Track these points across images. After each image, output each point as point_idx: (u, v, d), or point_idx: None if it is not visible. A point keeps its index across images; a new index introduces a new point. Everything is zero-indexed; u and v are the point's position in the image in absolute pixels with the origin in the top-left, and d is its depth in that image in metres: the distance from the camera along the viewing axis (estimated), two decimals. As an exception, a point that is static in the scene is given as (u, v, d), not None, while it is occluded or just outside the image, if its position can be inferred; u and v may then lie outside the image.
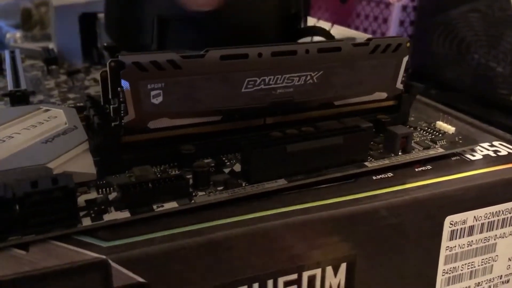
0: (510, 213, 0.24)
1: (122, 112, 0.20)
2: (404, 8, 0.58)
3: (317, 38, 0.31)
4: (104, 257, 0.17)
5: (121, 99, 0.20)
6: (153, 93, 0.20)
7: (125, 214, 0.18)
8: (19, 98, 0.26)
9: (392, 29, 0.58)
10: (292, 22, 0.29)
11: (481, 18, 0.51)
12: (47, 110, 0.23)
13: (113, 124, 0.20)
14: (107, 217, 0.18)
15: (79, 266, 0.16)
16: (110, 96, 0.20)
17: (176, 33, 0.26)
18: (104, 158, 0.21)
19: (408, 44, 0.26)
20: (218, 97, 0.22)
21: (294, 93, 0.24)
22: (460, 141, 0.25)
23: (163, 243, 0.17)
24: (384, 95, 0.26)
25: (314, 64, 0.23)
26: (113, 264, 0.17)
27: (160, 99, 0.21)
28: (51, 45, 0.40)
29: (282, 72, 0.23)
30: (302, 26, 0.30)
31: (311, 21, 0.31)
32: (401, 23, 0.60)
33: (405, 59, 0.26)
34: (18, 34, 0.51)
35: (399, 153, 0.24)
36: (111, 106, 0.20)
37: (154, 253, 0.17)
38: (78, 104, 0.27)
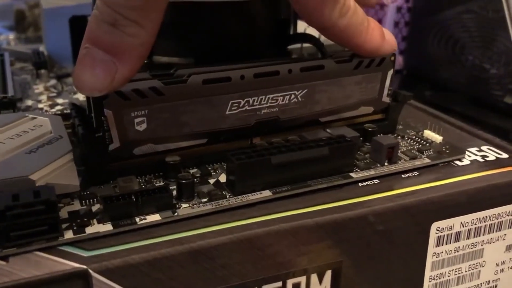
0: (497, 219, 0.24)
1: (107, 140, 0.20)
2: (398, 9, 0.58)
3: (307, 45, 0.31)
4: (84, 267, 0.17)
5: (105, 128, 0.20)
6: (136, 120, 0.21)
7: (107, 227, 0.18)
8: (5, 105, 0.26)
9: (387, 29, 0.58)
10: (282, 28, 0.29)
11: (475, 19, 0.51)
12: (33, 118, 0.23)
13: (96, 135, 0.20)
14: (89, 230, 0.18)
15: (59, 276, 0.16)
16: (94, 126, 0.20)
17: (164, 39, 0.26)
18: (89, 168, 0.21)
19: (392, 58, 0.26)
20: (202, 121, 0.22)
21: (279, 112, 0.24)
22: (447, 151, 0.25)
23: (145, 252, 0.17)
24: (370, 109, 0.26)
25: (298, 83, 0.24)
26: (93, 274, 0.17)
27: (144, 126, 0.21)
28: (41, 48, 0.40)
29: (266, 93, 0.23)
30: (292, 32, 0.30)
31: (301, 26, 0.31)
32: (396, 24, 0.60)
33: (390, 72, 0.26)
34: (12, 35, 0.51)
35: (386, 164, 0.24)
36: (96, 135, 0.20)
37: (135, 263, 0.17)
38: (65, 111, 0.27)
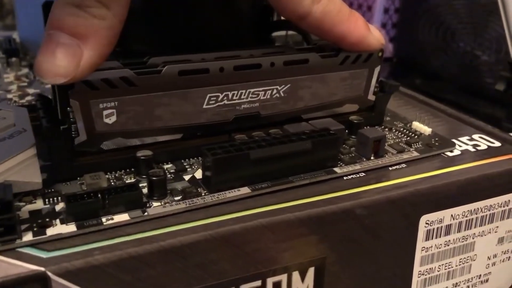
0: (489, 210, 0.23)
1: (73, 133, 0.19)
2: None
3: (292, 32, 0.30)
4: (42, 269, 0.15)
5: (71, 120, 0.19)
6: (105, 112, 0.19)
7: (70, 228, 0.17)
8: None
9: (376, 17, 0.57)
10: (264, 14, 0.28)
11: (466, 5, 0.50)
12: (-5, 110, 0.21)
13: (61, 128, 0.19)
14: (50, 231, 0.17)
15: (14, 280, 0.15)
16: (59, 117, 0.19)
17: (138, 26, 0.25)
18: (53, 164, 0.19)
19: (380, 54, 0.24)
20: (177, 115, 0.21)
21: (260, 108, 0.22)
22: (437, 144, 0.24)
23: (110, 252, 0.16)
24: (355, 107, 0.25)
25: (280, 77, 0.22)
26: (52, 276, 0.15)
27: (113, 118, 0.19)
28: (14, 35, 0.38)
29: (246, 87, 0.22)
30: (275, 18, 0.29)
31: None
32: (386, 10, 0.59)
33: (377, 69, 0.25)
34: (-10, 23, 0.49)
35: (372, 157, 0.22)
36: (61, 127, 0.19)
37: (99, 264, 0.16)
38: (33, 102, 0.26)
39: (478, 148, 0.24)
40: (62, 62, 0.17)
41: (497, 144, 0.25)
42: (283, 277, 0.19)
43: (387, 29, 0.58)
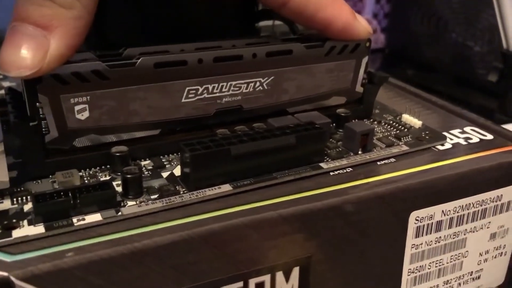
0: (481, 206, 0.22)
1: (43, 130, 0.18)
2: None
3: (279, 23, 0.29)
4: (5, 274, 0.14)
5: (41, 116, 0.18)
6: (77, 108, 0.18)
7: (39, 229, 0.16)
8: None
9: (368, 7, 0.56)
10: (248, 4, 0.27)
11: (458, -6, 0.49)
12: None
13: (31, 124, 0.18)
14: (16, 233, 0.16)
15: (-26, 287, 0.14)
16: (28, 113, 0.18)
17: (115, 15, 0.24)
18: (24, 162, 0.18)
19: (367, 44, 0.23)
20: (154, 109, 0.20)
21: (242, 101, 0.21)
22: (427, 137, 0.23)
23: (79, 255, 0.15)
24: (342, 99, 0.24)
25: (263, 69, 0.21)
26: (17, 281, 0.14)
27: (86, 114, 0.19)
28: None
29: (227, 79, 0.21)
30: (260, 7, 0.28)
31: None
32: (377, 0, 0.58)
33: (365, 60, 0.24)
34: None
35: (359, 152, 0.21)
36: (31, 124, 0.18)
37: (67, 267, 0.15)
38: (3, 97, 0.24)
39: (470, 141, 0.24)
40: (27, 54, 0.16)
41: (490, 137, 0.24)
42: (266, 278, 0.18)
43: (378, 19, 0.57)
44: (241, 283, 0.18)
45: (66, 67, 0.18)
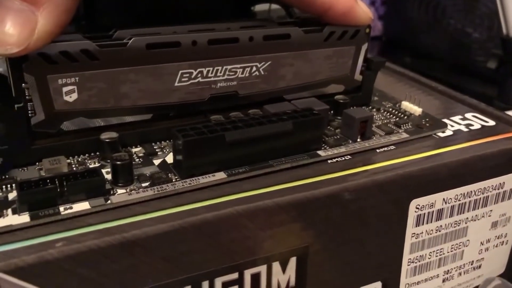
0: (482, 194, 0.21)
1: (29, 112, 0.17)
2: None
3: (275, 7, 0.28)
4: (-12, 267, 0.13)
5: (27, 97, 0.17)
6: (65, 89, 0.18)
7: (23, 218, 0.15)
8: None
9: (365, -6, 0.55)
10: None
11: (457, -21, 0.48)
12: None
13: (16, 106, 0.17)
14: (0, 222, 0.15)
15: (-46, 280, 0.13)
16: (13, 94, 0.17)
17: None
18: (9, 147, 0.17)
19: (367, 31, 0.23)
20: (146, 93, 0.19)
21: (238, 87, 0.21)
22: (427, 124, 0.23)
23: (67, 246, 0.14)
24: (341, 87, 0.23)
25: (260, 53, 0.21)
26: (0, 275, 0.14)
27: (74, 96, 0.18)
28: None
29: (222, 63, 0.20)
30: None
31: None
32: (375, -13, 0.57)
33: (364, 47, 0.23)
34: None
35: (358, 140, 0.21)
36: (16, 106, 0.17)
37: (53, 259, 0.14)
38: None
39: (472, 127, 0.23)
40: (13, 30, 0.15)
41: (492, 123, 0.23)
42: (262, 269, 0.18)
43: (376, 6, 0.56)
44: (236, 274, 0.17)
45: (54, 46, 0.17)
